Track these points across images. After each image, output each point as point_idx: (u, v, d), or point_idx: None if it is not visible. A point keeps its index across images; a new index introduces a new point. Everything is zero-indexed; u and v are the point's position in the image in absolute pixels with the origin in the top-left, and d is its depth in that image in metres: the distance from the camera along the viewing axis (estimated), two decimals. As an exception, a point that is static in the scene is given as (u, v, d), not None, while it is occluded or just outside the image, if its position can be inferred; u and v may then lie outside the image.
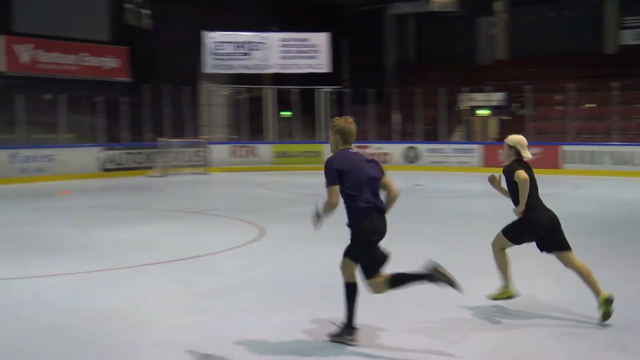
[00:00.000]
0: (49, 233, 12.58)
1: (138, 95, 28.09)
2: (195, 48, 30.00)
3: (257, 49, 30.34)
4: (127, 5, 29.72)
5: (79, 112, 28.34)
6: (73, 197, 19.00)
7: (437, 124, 30.30)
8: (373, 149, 28.05)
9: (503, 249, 7.03)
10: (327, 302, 7.25)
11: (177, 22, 30.09)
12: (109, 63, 28.90)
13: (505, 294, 7.13)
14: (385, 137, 30.32)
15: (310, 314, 7.00)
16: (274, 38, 30.51)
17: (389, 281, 5.92)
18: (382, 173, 6.04)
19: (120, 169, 26.14)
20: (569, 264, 6.83)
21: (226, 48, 30.10)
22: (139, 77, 29.22)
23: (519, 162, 6.92)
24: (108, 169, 25.80)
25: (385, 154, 28.46)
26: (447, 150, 28.43)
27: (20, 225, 13.50)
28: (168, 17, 29.96)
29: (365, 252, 5.90)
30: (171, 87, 28.41)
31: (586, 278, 6.72)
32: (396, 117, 30.45)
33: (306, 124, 31.84)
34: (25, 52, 26.31)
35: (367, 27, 37.20)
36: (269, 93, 32.08)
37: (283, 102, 31.99)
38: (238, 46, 30.18)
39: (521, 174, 6.69)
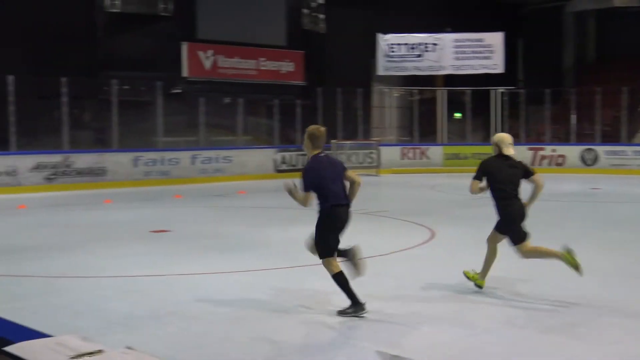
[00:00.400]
0: (228, 231, 13.23)
1: (312, 98, 28.83)
2: (367, 51, 30.39)
3: (430, 51, 30.27)
4: (304, 10, 30.57)
5: (256, 115, 29.48)
6: (249, 197, 19.82)
7: (618, 125, 28.99)
8: (548, 151, 27.24)
9: (495, 244, 8.02)
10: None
11: (350, 26, 30.61)
12: (285, 67, 29.82)
13: (476, 280, 8.09)
14: (562, 138, 29.37)
15: (486, 318, 6.99)
16: (447, 39, 30.33)
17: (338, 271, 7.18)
18: (343, 169, 7.47)
19: (293, 170, 26.92)
20: (525, 252, 7.78)
21: (399, 50, 30.26)
22: (313, 80, 29.98)
23: (496, 157, 7.98)
24: (282, 170, 26.66)
25: (560, 156, 27.57)
26: (628, 152, 27.14)
27: (203, 224, 14.30)
28: (342, 20, 30.53)
29: (326, 235, 7.25)
30: (344, 90, 28.94)
31: (543, 254, 7.70)
32: (573, 118, 29.42)
33: (478, 125, 31.42)
34: (207, 58, 27.69)
35: (544, 26, 36.17)
36: (441, 94, 31.94)
37: (454, 104, 31.73)
38: (411, 48, 30.25)
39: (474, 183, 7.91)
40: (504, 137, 8.08)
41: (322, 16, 30.84)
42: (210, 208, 16.98)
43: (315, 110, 28.50)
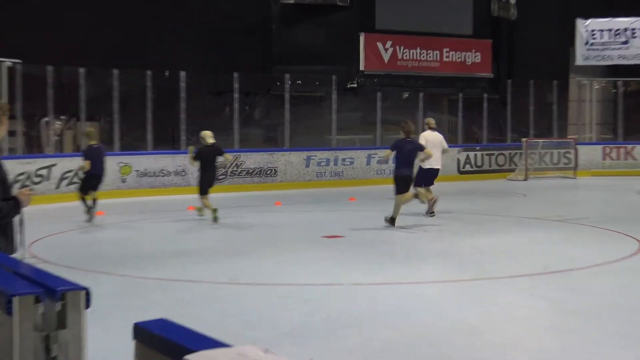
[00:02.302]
0: (406, 238, 13.15)
1: (500, 92, 28.22)
2: (564, 38, 29.37)
3: (638, 37, 28.79)
4: (495, -4, 30.03)
5: (438, 111, 29.23)
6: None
7: None
8: None
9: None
10: None
11: (545, 11, 29.70)
12: (471, 58, 29.36)
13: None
14: None
15: None
16: (658, 23, 28.75)
17: None
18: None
19: (478, 171, 26.46)
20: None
21: (601, 36, 28.99)
22: (502, 72, 29.33)
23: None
24: (466, 171, 26.24)
25: None
26: None
27: (379, 230, 14.28)
28: (535, 5, 29.68)
29: None
30: (537, 82, 28.11)
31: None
32: None
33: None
34: (386, 50, 27.74)
35: None
36: (651, 86, 30.28)
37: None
38: (616, 34, 28.90)
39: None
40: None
41: (513, 1, 30.12)
42: (386, 212, 16.93)
43: (504, 106, 27.88)
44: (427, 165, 15.84)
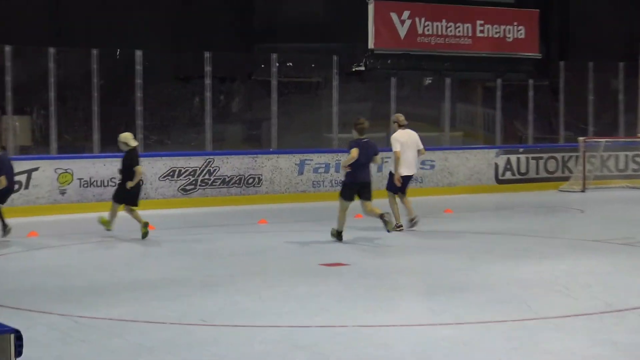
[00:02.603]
0: (427, 266, 13.18)
1: (550, 77, 28.28)
2: (634, 10, 29.46)
3: None
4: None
5: (470, 101, 29.34)
6: (459, 218, 19.65)
7: None
8: None
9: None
10: None
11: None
12: (513, 33, 29.40)
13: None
14: None
15: None
16: None
17: None
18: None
19: (523, 180, 26.47)
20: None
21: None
22: (552, 51, 29.41)
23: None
24: (506, 180, 26.27)
25: None
26: None
27: (391, 255, 14.28)
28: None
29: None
30: (597, 65, 28.18)
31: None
32: None
33: None
34: (402, 22, 27.76)
35: None
36: None
37: None
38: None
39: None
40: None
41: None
42: (401, 233, 16.97)
43: (556, 95, 27.94)
44: (403, 171, 17.13)
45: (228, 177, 22.67)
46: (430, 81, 28.83)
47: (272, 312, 9.96)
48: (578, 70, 28.08)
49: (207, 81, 23.47)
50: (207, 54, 23.30)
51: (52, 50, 21.59)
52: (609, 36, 29.88)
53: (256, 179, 23.02)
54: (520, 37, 29.49)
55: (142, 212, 16.69)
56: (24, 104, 23.02)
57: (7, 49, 21.18)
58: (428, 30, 28.19)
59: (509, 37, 29.38)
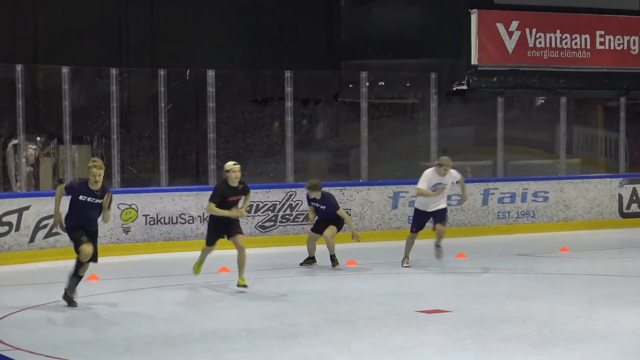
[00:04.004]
0: (544, 311, 13.10)
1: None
2: None
3: None
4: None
5: (588, 123, 29.09)
6: (578, 258, 19.48)
7: None
8: None
9: None
10: None
11: None
12: (638, 45, 29.10)
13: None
14: None
15: None
16: None
17: None
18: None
19: (652, 213, 26.20)
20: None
21: None
22: (685, 64, 29.06)
23: None
24: (631, 214, 25.94)
25: None
26: None
27: (501, 300, 14.23)
28: None
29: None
30: None
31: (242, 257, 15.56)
32: None
33: None
34: (509, 34, 27.66)
35: None
36: None
37: None
38: None
39: None
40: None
41: None
42: (509, 274, 16.88)
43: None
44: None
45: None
46: (542, 101, 28.64)
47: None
48: None
49: (288, 104, 23.52)
50: (287, 73, 23.39)
51: (114, 71, 21.81)
52: None
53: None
54: (646, 49, 29.22)
55: (219, 253, 16.80)
56: (83, 132, 23.34)
57: (65, 70, 21.33)
58: (540, 42, 28.03)
59: (634, 50, 29.09)
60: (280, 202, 22.30)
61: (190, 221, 21.50)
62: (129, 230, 21.01)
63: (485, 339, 11.32)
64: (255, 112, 26.03)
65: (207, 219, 17.29)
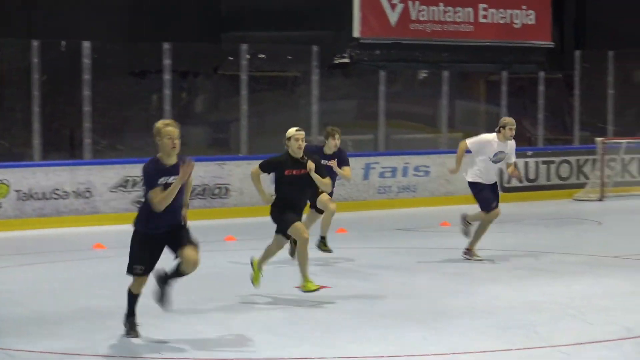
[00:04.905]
0: (422, 287, 13.27)
1: (564, 69, 28.38)
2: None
3: None
4: None
5: (471, 97, 29.37)
6: (457, 232, 19.72)
7: None
8: None
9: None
10: None
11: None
12: (522, 18, 29.43)
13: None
14: None
15: None
16: None
17: None
18: None
19: (531, 187, 26.47)
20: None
21: None
22: (567, 39, 29.52)
23: None
24: (512, 188, 26.25)
25: None
26: None
27: (388, 275, 14.31)
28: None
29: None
30: (619, 55, 28.25)
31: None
32: None
33: None
34: (393, 7, 27.75)
35: None
36: None
37: None
38: None
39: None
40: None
41: None
42: (389, 250, 17.02)
43: (570, 89, 28.00)
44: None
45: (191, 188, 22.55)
46: (425, 75, 28.82)
47: (241, 344, 9.96)
48: (596, 60, 28.14)
49: (166, 76, 23.32)
50: (166, 45, 23.20)
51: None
52: (632, 21, 29.98)
53: (223, 189, 22.96)
54: (529, 23, 29.57)
55: (90, 230, 16.61)
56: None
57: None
58: (423, 15, 28.20)
59: (517, 23, 29.44)
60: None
61: (65, 197, 21.22)
62: (0, 206, 20.68)
63: (365, 315, 11.39)
64: (133, 85, 25.73)
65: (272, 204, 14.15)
